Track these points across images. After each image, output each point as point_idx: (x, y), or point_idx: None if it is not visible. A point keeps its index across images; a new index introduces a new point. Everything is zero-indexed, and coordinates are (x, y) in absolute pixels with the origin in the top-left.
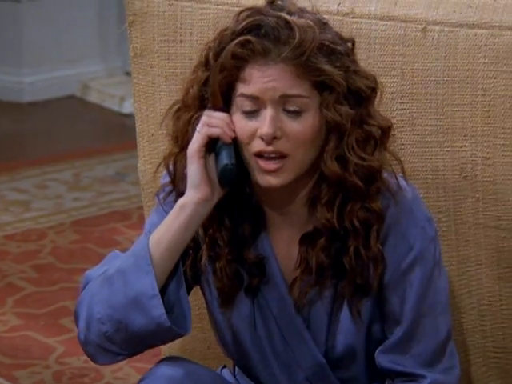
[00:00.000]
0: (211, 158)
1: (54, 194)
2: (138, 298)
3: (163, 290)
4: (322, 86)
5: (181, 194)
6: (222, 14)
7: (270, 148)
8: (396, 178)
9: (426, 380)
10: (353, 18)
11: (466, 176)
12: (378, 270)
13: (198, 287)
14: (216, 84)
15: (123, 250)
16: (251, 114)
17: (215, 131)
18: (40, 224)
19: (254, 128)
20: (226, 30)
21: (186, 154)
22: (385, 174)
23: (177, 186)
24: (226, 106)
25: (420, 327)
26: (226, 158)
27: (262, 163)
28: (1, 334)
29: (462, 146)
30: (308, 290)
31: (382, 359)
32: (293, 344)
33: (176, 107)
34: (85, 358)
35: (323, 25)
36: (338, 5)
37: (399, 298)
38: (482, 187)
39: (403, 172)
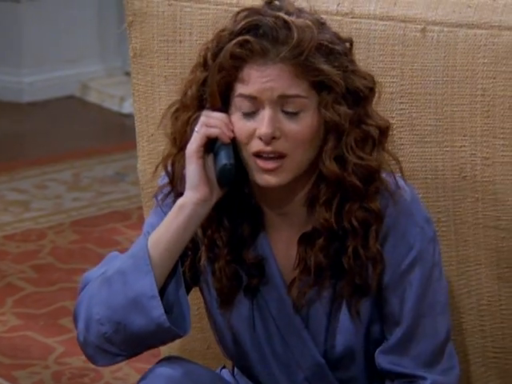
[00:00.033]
0: (210, 159)
1: (53, 194)
2: (138, 298)
3: (162, 291)
4: (320, 85)
5: (179, 194)
6: (221, 14)
7: (268, 148)
8: (395, 178)
9: (426, 381)
10: (352, 18)
11: (466, 176)
12: (377, 270)
13: (197, 287)
14: (214, 84)
15: (123, 250)
16: (250, 115)
17: (214, 131)
18: (39, 224)
19: (253, 128)
20: (223, 30)
21: (184, 155)
22: (383, 174)
23: (175, 187)
24: (224, 106)
25: (419, 328)
26: (224, 158)
27: (261, 163)
28: (0, 334)
29: (461, 146)
30: (307, 290)
31: (382, 360)
32: (292, 344)
33: (174, 108)
34: (84, 358)
35: (321, 25)
36: (338, 5)
37: (398, 298)
38: (481, 187)
39: (401, 172)
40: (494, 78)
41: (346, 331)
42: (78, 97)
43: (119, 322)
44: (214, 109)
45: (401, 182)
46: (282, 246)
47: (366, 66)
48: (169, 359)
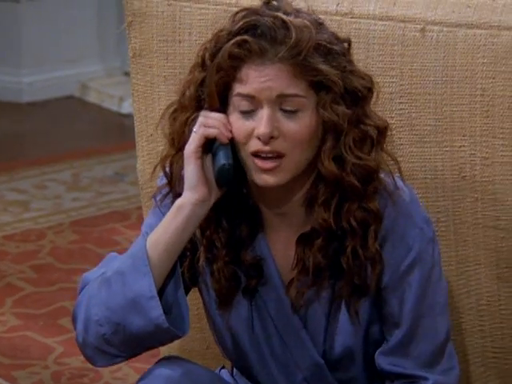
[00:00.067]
0: (208, 159)
1: (53, 194)
2: (136, 299)
3: (161, 292)
4: (318, 85)
5: (178, 195)
6: (220, 14)
7: (266, 148)
8: (393, 179)
9: (428, 381)
10: (351, 18)
11: (465, 176)
12: (376, 270)
13: (196, 288)
14: (212, 84)
15: (122, 250)
16: (248, 114)
17: (212, 132)
18: (39, 224)
19: (251, 128)
20: (222, 30)
21: (182, 156)
22: (382, 175)
23: (173, 188)
24: (222, 106)
25: (419, 328)
26: (223, 158)
27: (259, 162)
28: (0, 334)
29: (460, 146)
30: (305, 290)
31: (382, 361)
32: (290, 345)
33: (172, 108)
34: (84, 358)
35: (319, 25)
36: (337, 5)
37: (398, 299)
38: (480, 187)
39: (400, 172)
40: (494, 78)
41: (344, 332)
42: (78, 97)
43: (118, 323)
44: (212, 109)
45: (399, 183)
46: (280, 247)
47: (366, 66)
48: (168, 359)
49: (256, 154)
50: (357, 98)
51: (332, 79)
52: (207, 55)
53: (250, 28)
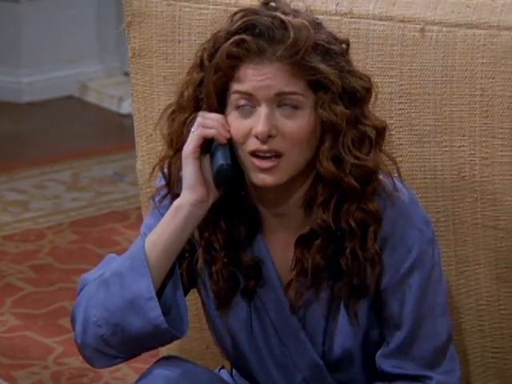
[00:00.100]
0: (206, 160)
1: (52, 194)
2: (135, 300)
3: (160, 293)
4: (316, 85)
5: (176, 196)
6: (220, 14)
7: (264, 147)
8: (392, 180)
9: (432, 381)
10: (351, 18)
11: (465, 176)
12: (375, 271)
13: (195, 289)
14: (211, 84)
15: (122, 251)
16: (246, 113)
17: (210, 132)
18: (39, 224)
19: (249, 127)
20: (220, 31)
21: (181, 157)
22: (380, 176)
23: (172, 189)
24: (220, 107)
25: (420, 330)
26: (221, 159)
27: (257, 162)
28: None
29: (460, 146)
30: (304, 291)
31: (384, 364)
32: (289, 346)
33: (171, 110)
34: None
35: (317, 25)
36: (337, 5)
37: (398, 301)
38: (480, 187)
39: (399, 173)
40: (493, 78)
41: (343, 333)
42: (77, 97)
43: (117, 324)
44: (211, 110)
45: (398, 184)
46: (279, 248)
47: (365, 66)
48: (167, 359)
49: (254, 154)
50: (355, 98)
51: (330, 78)
52: (205, 55)
53: (249, 27)
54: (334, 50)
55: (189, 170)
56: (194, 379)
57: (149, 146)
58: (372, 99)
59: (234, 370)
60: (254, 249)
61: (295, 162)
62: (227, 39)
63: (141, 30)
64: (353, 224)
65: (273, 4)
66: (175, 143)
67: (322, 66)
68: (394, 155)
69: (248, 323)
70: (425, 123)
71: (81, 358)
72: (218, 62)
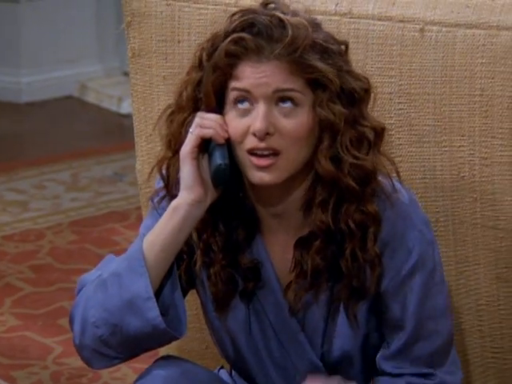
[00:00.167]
0: (205, 160)
1: (52, 194)
2: (133, 300)
3: (158, 293)
4: (315, 84)
5: (174, 198)
6: (219, 14)
7: (262, 144)
8: (391, 181)
9: (436, 377)
10: (350, 18)
11: (464, 176)
12: (375, 273)
13: (195, 290)
14: (209, 83)
15: (121, 251)
16: (244, 111)
17: (208, 132)
18: (38, 224)
19: (247, 125)
20: (219, 31)
21: (179, 158)
22: (380, 177)
23: (170, 191)
24: (219, 107)
25: (422, 332)
26: (219, 158)
27: (255, 160)
28: None
29: (459, 146)
30: (303, 293)
31: (385, 365)
32: (289, 347)
33: (170, 111)
34: None
35: (316, 25)
36: (336, 5)
37: (400, 303)
38: (479, 187)
39: (398, 175)
40: (493, 78)
41: (343, 334)
42: (77, 97)
43: (115, 325)
44: (209, 110)
45: (397, 185)
46: (278, 250)
47: (365, 66)
48: (165, 359)
49: (252, 152)
50: (353, 98)
51: (328, 77)
52: (204, 55)
53: (247, 26)
54: (332, 50)
55: (187, 170)
56: (193, 379)
57: (148, 146)
58: (371, 100)
59: (233, 371)
60: (253, 251)
61: (293, 160)
62: (226, 38)
63: (140, 30)
64: (352, 225)
65: (272, 5)
66: (174, 144)
67: (320, 65)
68: (394, 155)
69: (247, 324)
70: (424, 123)
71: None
72: (216, 60)
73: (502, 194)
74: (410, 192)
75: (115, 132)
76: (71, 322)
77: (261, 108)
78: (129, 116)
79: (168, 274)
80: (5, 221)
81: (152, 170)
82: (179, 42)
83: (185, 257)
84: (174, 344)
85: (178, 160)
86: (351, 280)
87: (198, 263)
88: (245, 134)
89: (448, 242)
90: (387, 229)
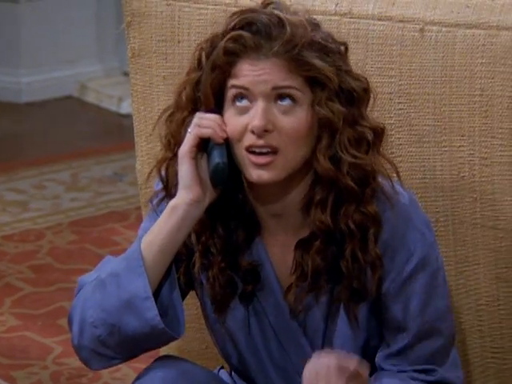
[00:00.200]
0: (203, 160)
1: (51, 194)
2: (131, 300)
3: (156, 294)
4: (314, 82)
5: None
6: (219, 14)
7: (261, 141)
8: (391, 182)
9: (437, 373)
10: (350, 18)
11: (464, 176)
12: (376, 275)
13: (194, 291)
14: (208, 83)
15: (121, 251)
16: (242, 110)
17: (206, 131)
18: (38, 224)
19: (246, 123)
20: (217, 32)
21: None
22: (379, 178)
23: (169, 193)
24: (218, 107)
25: (424, 333)
26: (217, 157)
27: (253, 158)
28: None
29: (459, 146)
30: (304, 296)
31: (385, 364)
32: (289, 349)
33: (169, 112)
34: None
35: (315, 25)
36: (336, 5)
37: (402, 305)
38: (479, 187)
39: (398, 176)
40: (493, 78)
41: (343, 336)
42: (76, 97)
43: (113, 325)
44: (208, 110)
45: (398, 187)
46: (277, 250)
47: (364, 66)
48: (164, 358)
49: (250, 150)
50: (352, 98)
51: (327, 75)
52: (203, 55)
53: (246, 24)
54: (331, 48)
55: (185, 170)
56: (192, 379)
57: (148, 146)
58: (371, 101)
59: (233, 371)
60: (253, 252)
61: (292, 158)
62: (224, 36)
63: (140, 30)
64: (352, 226)
65: (272, 6)
66: (173, 144)
67: (318, 62)
68: (394, 155)
69: (246, 324)
70: (424, 123)
71: None
72: (214, 58)
73: (501, 194)
74: (410, 193)
75: (115, 132)
76: (70, 322)
77: (259, 105)
78: (129, 116)
79: (166, 274)
80: (4, 221)
81: (152, 170)
82: (179, 41)
83: (183, 258)
84: (173, 344)
85: (177, 161)
86: (352, 281)
87: (197, 265)
88: (243, 131)
89: (448, 242)
90: (388, 230)
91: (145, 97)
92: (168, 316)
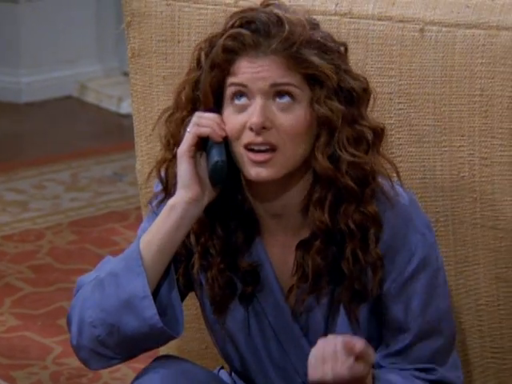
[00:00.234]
0: (202, 159)
1: (51, 194)
2: (130, 299)
3: (155, 293)
4: (312, 80)
5: None
6: (219, 14)
7: (259, 139)
8: (391, 183)
9: (437, 372)
10: (350, 18)
11: (464, 176)
12: (377, 275)
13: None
14: (207, 82)
15: (121, 251)
16: (241, 108)
17: (205, 130)
18: (37, 224)
19: (244, 121)
20: (217, 32)
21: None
22: (379, 178)
23: (169, 194)
24: (218, 107)
25: (425, 334)
26: (216, 156)
27: (252, 155)
28: None
29: (459, 146)
30: (305, 297)
31: (384, 363)
32: (289, 349)
33: (169, 112)
34: None
35: (315, 25)
36: (336, 5)
37: (403, 306)
38: (479, 187)
39: (398, 176)
40: (492, 78)
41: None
42: (76, 97)
43: (112, 324)
44: (207, 110)
45: (398, 188)
46: (277, 251)
47: (364, 66)
48: (163, 358)
49: (249, 147)
50: (352, 97)
51: (325, 72)
52: (202, 54)
53: (245, 23)
54: (330, 47)
55: (183, 169)
56: (192, 379)
57: (148, 146)
58: (370, 101)
59: (233, 372)
60: (253, 253)
61: (290, 156)
62: (223, 35)
63: (140, 30)
64: (352, 226)
65: (271, 6)
66: (172, 144)
67: (317, 60)
68: (394, 155)
69: (246, 325)
70: (424, 123)
71: None
72: (213, 57)
73: (501, 194)
74: (409, 193)
75: (115, 132)
76: (69, 323)
77: (258, 102)
78: (128, 116)
79: (165, 274)
80: (4, 221)
81: (152, 170)
82: (179, 41)
83: (183, 259)
84: (173, 344)
85: (176, 162)
86: (353, 282)
87: (196, 266)
88: (242, 129)
89: (448, 242)
90: (388, 230)
91: (145, 97)
92: (167, 315)
